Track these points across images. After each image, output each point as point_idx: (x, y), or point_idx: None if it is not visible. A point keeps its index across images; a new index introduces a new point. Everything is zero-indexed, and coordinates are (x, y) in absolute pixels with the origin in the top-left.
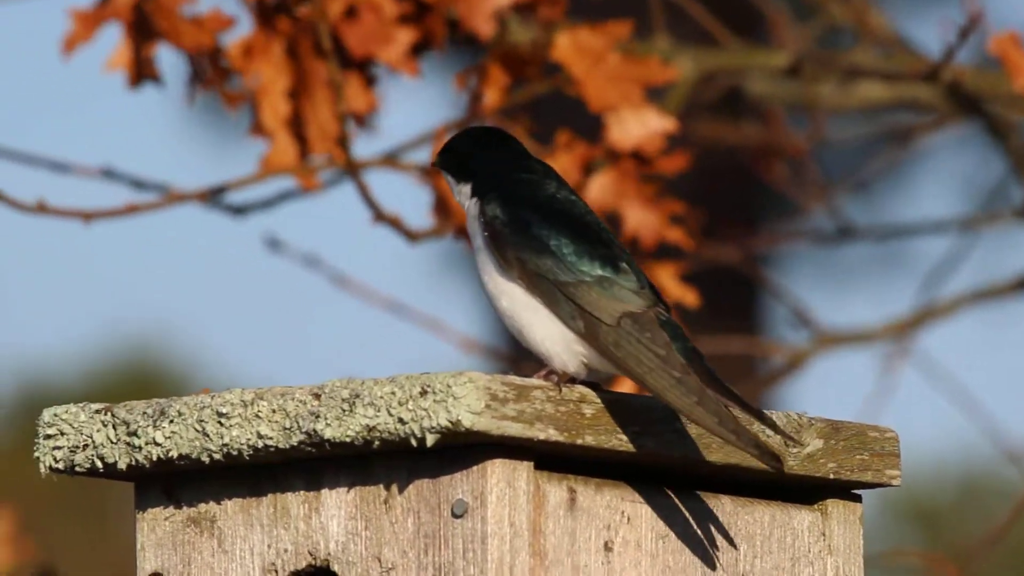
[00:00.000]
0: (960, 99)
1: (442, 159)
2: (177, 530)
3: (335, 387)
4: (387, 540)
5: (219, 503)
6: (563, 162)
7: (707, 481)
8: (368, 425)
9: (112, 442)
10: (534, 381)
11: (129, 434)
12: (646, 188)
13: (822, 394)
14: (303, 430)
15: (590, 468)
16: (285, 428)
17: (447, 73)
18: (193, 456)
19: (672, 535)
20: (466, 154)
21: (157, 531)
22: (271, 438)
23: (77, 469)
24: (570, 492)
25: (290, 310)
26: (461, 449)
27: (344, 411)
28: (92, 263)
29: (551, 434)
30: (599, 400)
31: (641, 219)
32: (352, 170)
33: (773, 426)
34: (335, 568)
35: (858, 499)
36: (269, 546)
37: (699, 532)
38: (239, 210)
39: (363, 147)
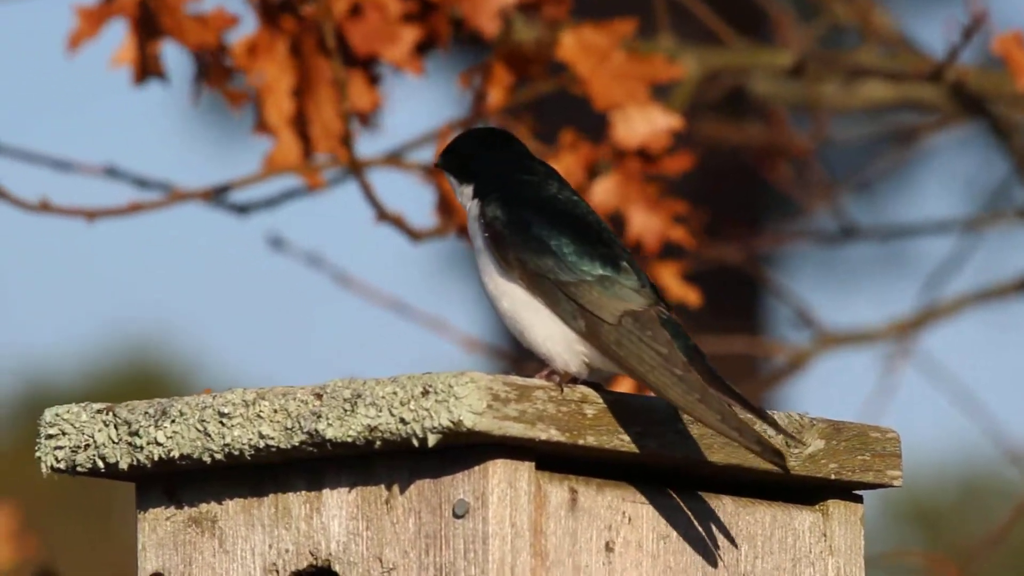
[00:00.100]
0: (964, 99)
1: (444, 160)
2: (178, 530)
3: (337, 387)
4: (388, 540)
5: (220, 503)
6: (567, 162)
7: (708, 481)
8: (370, 425)
9: (114, 442)
10: (536, 381)
11: (131, 434)
12: (650, 189)
13: (824, 394)
14: (305, 430)
15: (591, 468)
16: (287, 428)
17: (451, 72)
18: (195, 456)
19: (673, 535)
20: (468, 155)
21: (158, 531)
22: (273, 438)
23: (78, 469)
24: (571, 492)
25: (292, 309)
26: (462, 449)
27: (346, 411)
28: (95, 262)
29: (553, 434)
30: (601, 400)
31: (645, 222)
32: (356, 169)
33: (774, 425)
34: (336, 568)
35: (859, 500)
36: (270, 546)
37: (700, 532)
38: (242, 209)
39: (367, 146)
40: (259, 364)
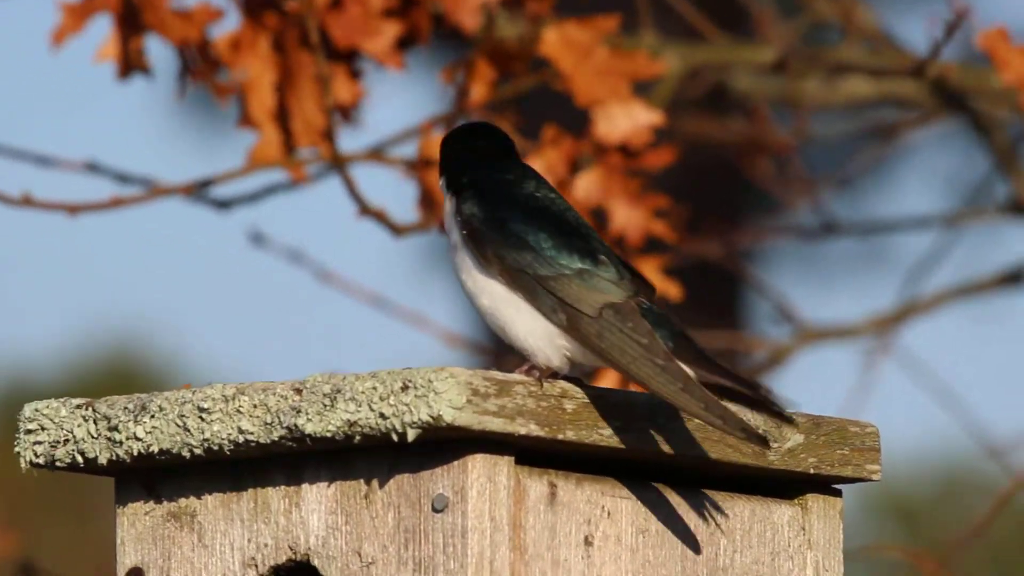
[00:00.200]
0: (945, 95)
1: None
2: (157, 525)
3: (316, 382)
4: (367, 535)
5: (199, 498)
6: (550, 157)
7: (687, 476)
8: (349, 420)
9: (93, 437)
10: (515, 376)
11: (110, 429)
12: (632, 184)
13: (804, 389)
14: (284, 425)
15: (571, 463)
16: (266, 423)
17: (433, 67)
18: (174, 451)
19: (652, 530)
20: (449, 151)
21: (137, 526)
22: (252, 433)
23: (58, 464)
24: (550, 487)
25: (273, 305)
26: (442, 444)
27: (325, 406)
28: (76, 257)
29: (532, 429)
30: (580, 395)
31: (627, 216)
32: (338, 164)
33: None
34: (315, 563)
35: (838, 494)
36: (249, 540)
37: (679, 526)
38: (224, 204)
39: (349, 141)
40: (239, 359)
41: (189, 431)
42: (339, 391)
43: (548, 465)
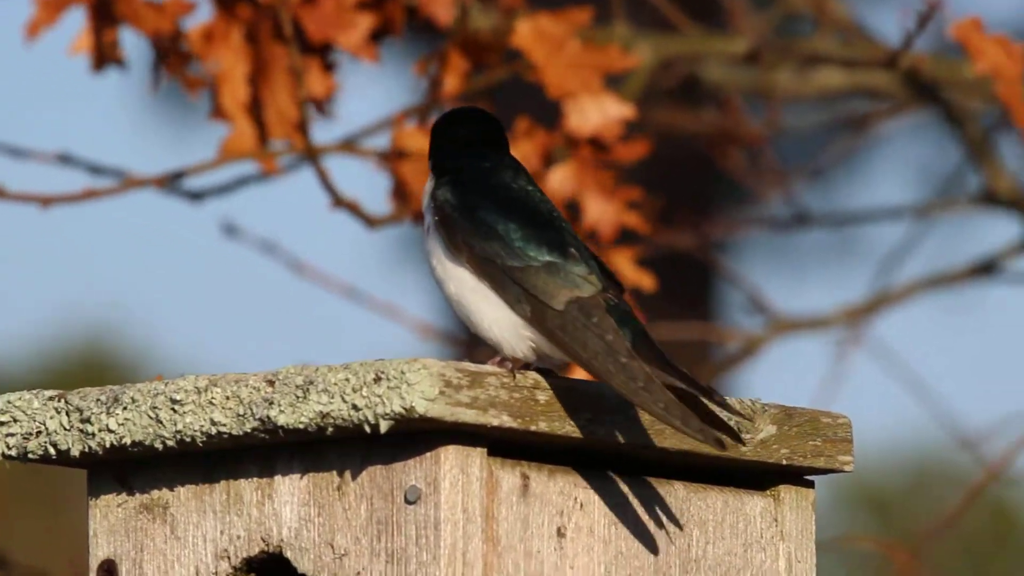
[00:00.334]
0: (918, 86)
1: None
2: (130, 517)
3: (289, 374)
4: (340, 526)
5: (172, 490)
6: (523, 149)
7: (660, 467)
8: (322, 412)
9: (65, 429)
10: (488, 368)
11: (82, 421)
12: (604, 176)
13: (776, 380)
14: (256, 416)
15: (543, 454)
16: (239, 415)
17: (406, 60)
18: (146, 443)
19: (625, 521)
20: (436, 135)
21: (110, 518)
22: (224, 425)
23: (30, 456)
24: (523, 478)
25: (246, 296)
26: (415, 435)
27: (298, 398)
28: (49, 249)
29: (504, 420)
30: (553, 387)
31: (600, 209)
32: (311, 155)
33: (726, 406)
34: (288, 554)
35: (811, 485)
36: (222, 532)
37: (652, 518)
38: (196, 195)
39: (322, 133)
40: (212, 351)
41: (162, 423)
42: (312, 383)
43: (521, 456)
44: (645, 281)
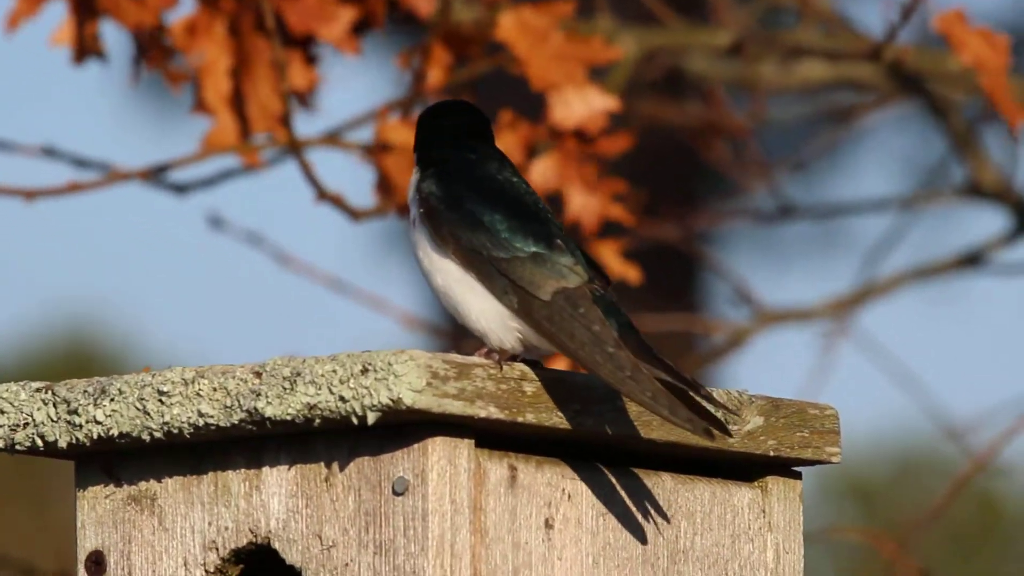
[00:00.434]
0: (902, 78)
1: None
2: (117, 508)
3: (276, 365)
4: (328, 518)
5: (160, 481)
6: (507, 141)
7: (647, 458)
8: (309, 403)
9: (52, 420)
10: (475, 359)
11: (70, 412)
12: (588, 169)
13: (762, 372)
14: (244, 408)
15: (531, 446)
16: (226, 406)
17: (389, 52)
18: (134, 434)
19: (612, 512)
20: (421, 127)
21: (97, 509)
22: (212, 416)
23: (17, 448)
24: (511, 470)
25: (232, 288)
26: (402, 427)
27: (285, 389)
28: (33, 242)
29: (492, 412)
30: (540, 378)
31: (584, 201)
32: (295, 149)
33: (710, 399)
34: (276, 545)
35: (798, 476)
36: (210, 524)
37: (640, 509)
38: (181, 188)
39: (304, 126)
40: (199, 343)
41: (149, 414)
42: (299, 374)
43: (508, 448)
44: (631, 273)
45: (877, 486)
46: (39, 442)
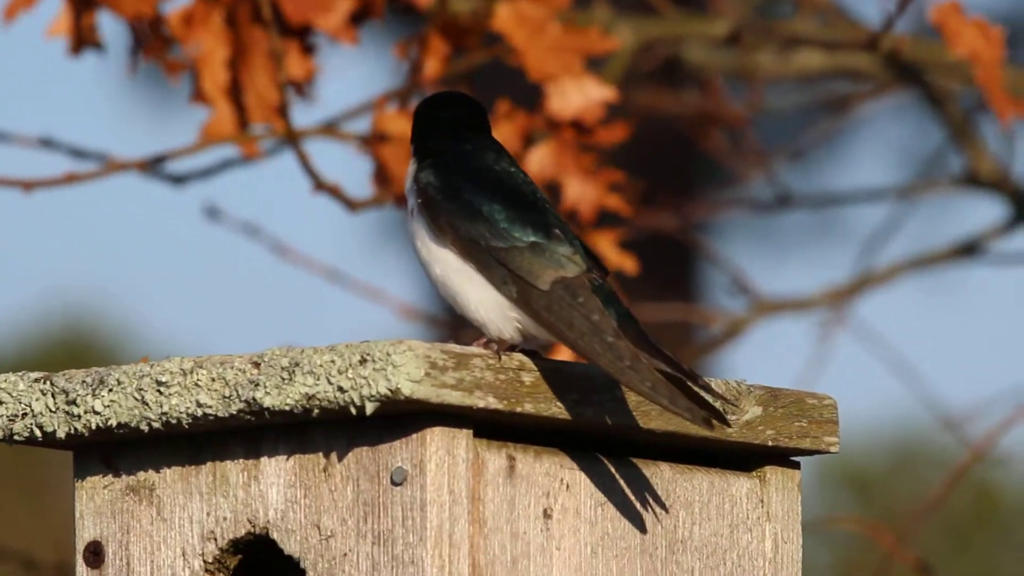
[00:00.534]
0: (899, 68)
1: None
2: (116, 498)
3: (275, 355)
4: (326, 508)
5: (158, 471)
6: (504, 132)
7: (646, 448)
8: (307, 393)
9: (51, 411)
10: (474, 349)
11: (68, 403)
12: (585, 159)
13: (760, 361)
14: (242, 398)
15: (529, 436)
16: (224, 396)
17: (386, 43)
18: (132, 424)
19: (611, 502)
20: (418, 118)
21: (96, 499)
22: (210, 406)
23: (16, 438)
24: (509, 460)
25: (230, 279)
26: (400, 417)
27: (284, 379)
28: (31, 233)
29: (490, 402)
30: (538, 368)
31: (581, 191)
32: (292, 139)
33: (708, 390)
34: (274, 536)
35: (796, 466)
36: (208, 514)
37: (638, 499)
38: (179, 179)
39: (302, 116)
40: (197, 333)
41: (147, 405)
42: (297, 364)
43: (506, 438)
44: (628, 263)
45: (874, 476)
46: (38, 432)
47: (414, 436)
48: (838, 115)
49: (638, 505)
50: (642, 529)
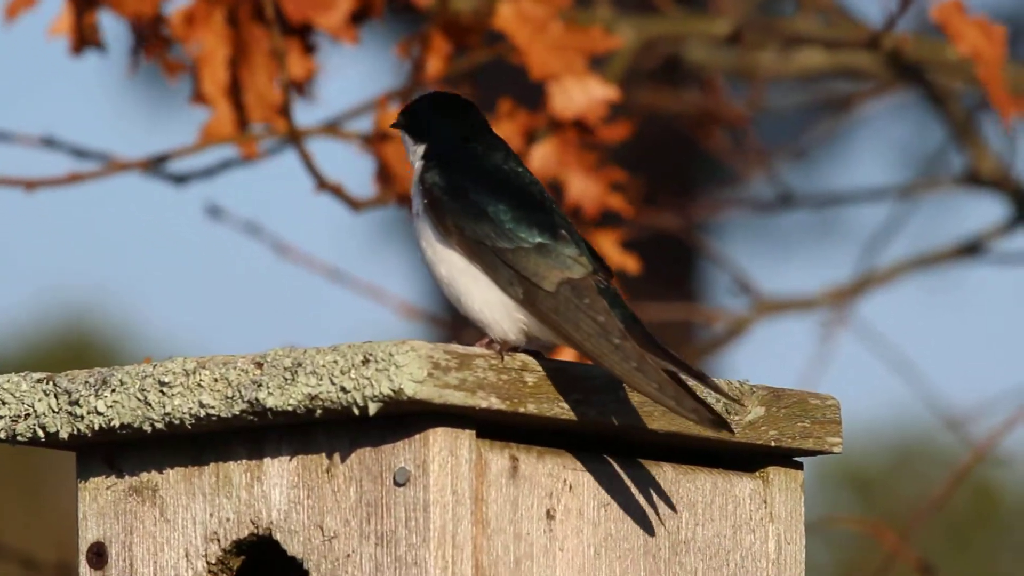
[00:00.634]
0: (900, 67)
1: (402, 119)
2: (119, 499)
3: (277, 356)
4: (329, 508)
5: (161, 472)
6: (506, 130)
7: (649, 449)
8: (310, 394)
9: (54, 411)
10: (476, 350)
11: (71, 403)
12: (588, 157)
13: (761, 361)
14: (245, 399)
15: (532, 436)
16: (227, 397)
17: (387, 42)
18: (135, 425)
19: (614, 503)
20: (422, 118)
21: (99, 500)
22: (213, 407)
23: (19, 438)
24: (512, 460)
25: (232, 278)
26: (403, 418)
27: (286, 380)
28: (33, 232)
29: (493, 402)
30: (541, 368)
31: (583, 189)
32: (294, 138)
33: (716, 389)
34: (277, 537)
35: (799, 466)
36: (211, 515)
37: (641, 500)
38: (180, 179)
39: (303, 115)
40: (197, 333)
41: (150, 405)
42: (300, 365)
43: (509, 438)
44: (629, 263)
45: (875, 475)
46: (40, 433)
47: (417, 437)
48: (839, 114)
49: (641, 506)
50: (645, 530)
